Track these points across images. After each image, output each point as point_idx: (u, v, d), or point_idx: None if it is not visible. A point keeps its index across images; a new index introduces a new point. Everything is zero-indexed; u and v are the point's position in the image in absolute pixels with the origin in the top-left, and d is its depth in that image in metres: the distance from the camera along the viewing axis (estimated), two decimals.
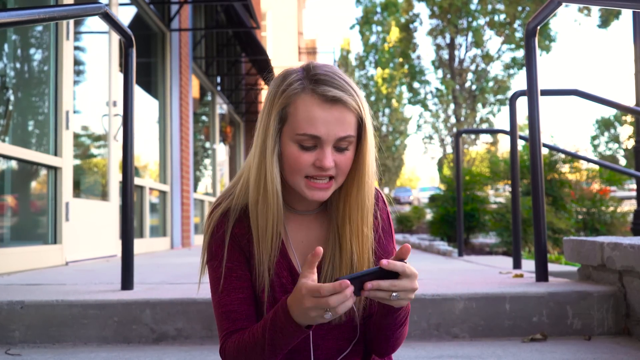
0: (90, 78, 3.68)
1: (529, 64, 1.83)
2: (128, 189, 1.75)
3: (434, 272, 2.35)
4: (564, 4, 1.66)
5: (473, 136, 20.34)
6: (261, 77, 7.81)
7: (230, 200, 0.89)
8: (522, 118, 18.46)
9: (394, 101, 25.88)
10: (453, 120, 20.50)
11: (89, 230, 3.30)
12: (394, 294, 0.73)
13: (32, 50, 3.01)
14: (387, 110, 26.51)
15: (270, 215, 0.83)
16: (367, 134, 0.82)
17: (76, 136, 3.30)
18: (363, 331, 0.91)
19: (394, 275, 0.74)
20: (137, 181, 4.21)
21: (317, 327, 0.87)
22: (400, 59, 21.61)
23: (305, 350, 0.88)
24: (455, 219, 4.14)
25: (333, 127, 0.79)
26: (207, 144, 7.08)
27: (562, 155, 5.89)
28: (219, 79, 7.62)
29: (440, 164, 21.78)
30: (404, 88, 24.05)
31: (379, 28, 24.59)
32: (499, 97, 19.83)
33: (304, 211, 0.90)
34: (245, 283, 0.87)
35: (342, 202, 0.86)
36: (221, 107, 7.73)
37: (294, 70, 0.83)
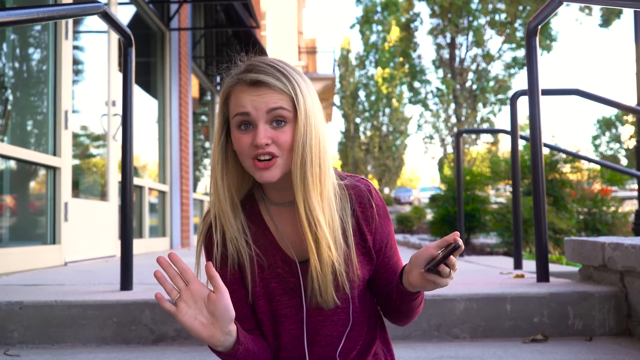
0: (89, 78, 3.67)
1: (530, 63, 1.82)
2: (127, 189, 1.74)
3: None
4: (565, 3, 1.65)
5: (474, 136, 20.33)
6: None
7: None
8: (523, 118, 18.41)
9: (394, 101, 25.86)
10: (454, 120, 20.50)
11: (88, 231, 3.30)
12: (450, 271, 0.81)
13: (30, 50, 3.00)
14: (387, 110, 26.49)
15: (223, 204, 0.88)
16: (299, 114, 0.84)
17: (75, 136, 3.29)
18: (364, 320, 0.93)
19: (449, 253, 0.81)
20: (136, 181, 4.20)
21: (315, 313, 0.90)
22: (401, 59, 21.62)
23: (301, 338, 0.90)
24: (456, 219, 4.13)
25: (259, 103, 0.84)
26: (207, 144, 7.08)
27: (563, 155, 5.88)
28: (218, 79, 7.61)
29: (440, 164, 21.77)
30: (405, 87, 24.05)
31: (380, 27, 24.57)
32: (500, 96, 19.83)
33: (281, 203, 0.92)
34: (235, 286, 0.90)
35: (294, 188, 0.86)
36: None
37: (233, 71, 0.90)
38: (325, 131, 0.89)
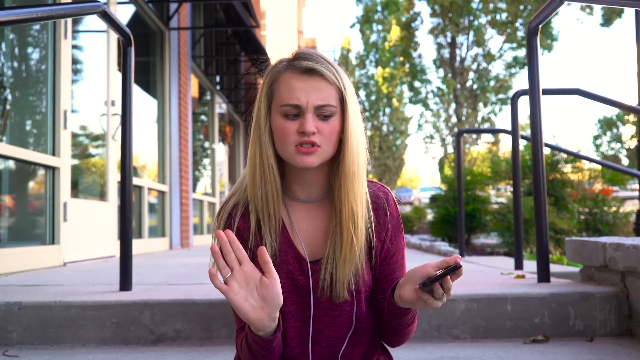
0: (89, 77, 3.67)
1: (531, 63, 1.81)
2: (126, 189, 1.73)
3: None
4: (565, 2, 1.64)
5: (474, 136, 20.31)
6: (257, 71, 7.78)
7: (237, 195, 0.92)
8: (524, 117, 18.41)
9: (394, 100, 25.83)
10: (454, 119, 20.47)
11: (87, 231, 3.29)
12: (444, 293, 0.79)
13: (29, 49, 3.00)
14: (387, 110, 26.46)
15: (269, 185, 0.87)
16: (349, 108, 0.87)
17: (74, 136, 3.29)
18: (368, 325, 0.93)
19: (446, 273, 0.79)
20: (135, 181, 4.20)
21: (320, 314, 0.90)
22: (401, 58, 21.58)
23: (305, 337, 0.90)
24: (457, 219, 4.12)
25: (311, 95, 0.85)
26: (206, 144, 7.07)
27: (564, 155, 5.87)
28: (218, 78, 7.60)
29: (441, 164, 21.73)
30: (405, 87, 24.01)
31: (380, 27, 24.54)
32: (501, 96, 19.79)
33: (306, 199, 0.92)
34: None
35: (337, 179, 0.89)
36: (220, 106, 7.71)
37: (282, 59, 0.91)
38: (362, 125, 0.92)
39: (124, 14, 4.29)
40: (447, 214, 6.03)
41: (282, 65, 0.88)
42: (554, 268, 2.64)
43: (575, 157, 5.35)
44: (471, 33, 19.16)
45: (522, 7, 18.03)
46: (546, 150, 5.68)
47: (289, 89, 0.85)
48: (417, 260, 3.66)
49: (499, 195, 6.68)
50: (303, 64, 0.85)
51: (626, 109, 2.59)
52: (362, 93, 26.81)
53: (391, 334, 0.92)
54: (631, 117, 28.31)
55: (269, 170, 0.87)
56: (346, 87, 0.87)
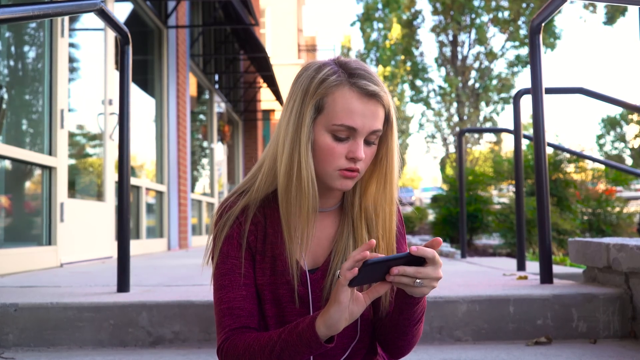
0: (86, 76, 3.65)
1: (534, 61, 1.79)
2: (124, 189, 1.72)
3: None
4: (569, 0, 1.62)
5: (476, 135, 20.28)
6: (260, 75, 7.77)
7: (247, 197, 0.88)
8: (527, 117, 18.39)
9: (395, 99, 25.82)
10: (456, 119, 20.44)
11: (84, 231, 3.27)
12: (418, 280, 0.74)
13: (26, 48, 2.98)
14: None
15: (305, 201, 0.84)
16: (394, 129, 0.86)
17: (71, 135, 3.26)
18: (370, 331, 0.91)
19: (420, 262, 0.75)
20: (133, 181, 4.18)
21: None
22: (402, 57, 21.55)
23: None
24: (458, 219, 4.10)
25: (368, 120, 0.82)
26: (205, 143, 7.05)
27: (567, 155, 5.85)
28: (217, 77, 7.59)
29: (442, 164, 21.70)
30: (406, 86, 23.98)
31: (380, 25, 24.51)
32: (503, 95, 19.74)
33: (320, 209, 0.90)
34: (250, 281, 0.87)
35: (366, 196, 0.88)
36: (219, 105, 7.70)
37: (326, 63, 0.85)
38: None
39: (121, 11, 4.27)
40: (448, 214, 6.01)
41: (337, 79, 0.82)
42: (556, 269, 2.62)
43: (579, 156, 5.32)
44: (473, 31, 19.12)
45: (524, 5, 17.99)
46: (549, 150, 5.65)
47: (348, 110, 0.81)
48: None
49: (501, 195, 6.67)
50: (367, 86, 0.81)
51: (630, 108, 2.57)
52: None
53: (398, 334, 0.86)
54: (635, 117, 28.27)
55: (307, 184, 0.82)
56: (393, 108, 0.85)
